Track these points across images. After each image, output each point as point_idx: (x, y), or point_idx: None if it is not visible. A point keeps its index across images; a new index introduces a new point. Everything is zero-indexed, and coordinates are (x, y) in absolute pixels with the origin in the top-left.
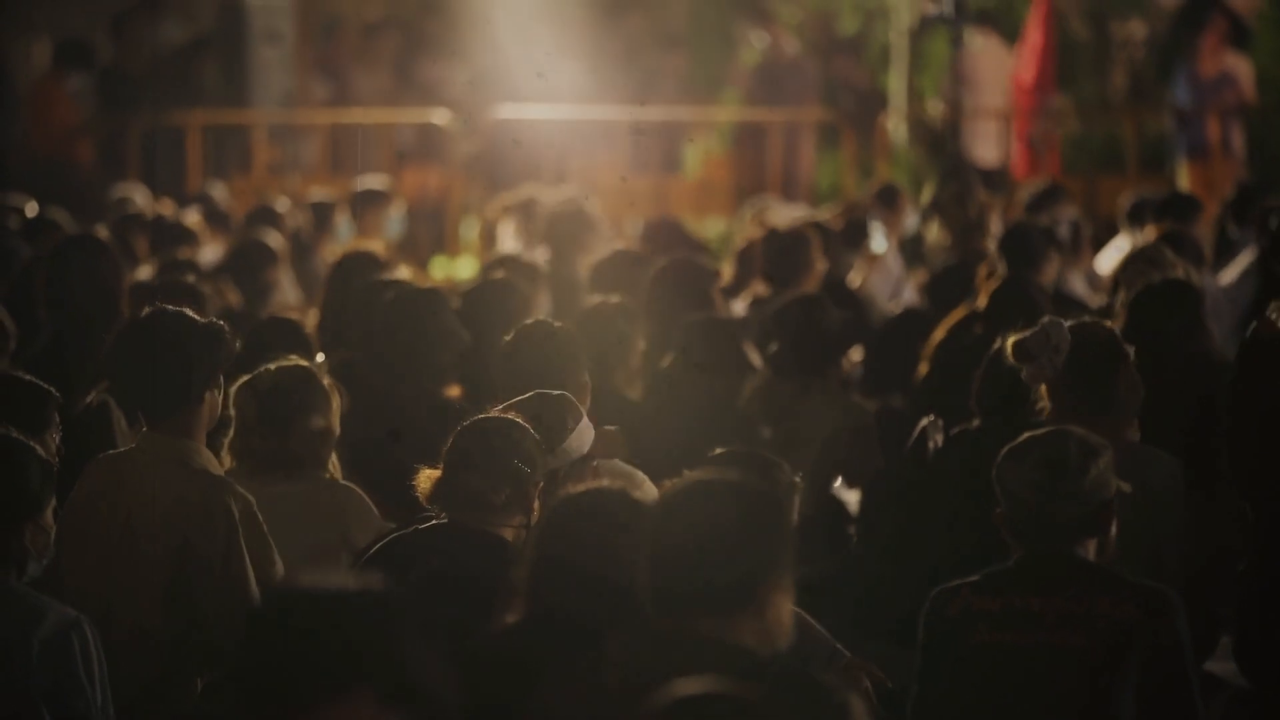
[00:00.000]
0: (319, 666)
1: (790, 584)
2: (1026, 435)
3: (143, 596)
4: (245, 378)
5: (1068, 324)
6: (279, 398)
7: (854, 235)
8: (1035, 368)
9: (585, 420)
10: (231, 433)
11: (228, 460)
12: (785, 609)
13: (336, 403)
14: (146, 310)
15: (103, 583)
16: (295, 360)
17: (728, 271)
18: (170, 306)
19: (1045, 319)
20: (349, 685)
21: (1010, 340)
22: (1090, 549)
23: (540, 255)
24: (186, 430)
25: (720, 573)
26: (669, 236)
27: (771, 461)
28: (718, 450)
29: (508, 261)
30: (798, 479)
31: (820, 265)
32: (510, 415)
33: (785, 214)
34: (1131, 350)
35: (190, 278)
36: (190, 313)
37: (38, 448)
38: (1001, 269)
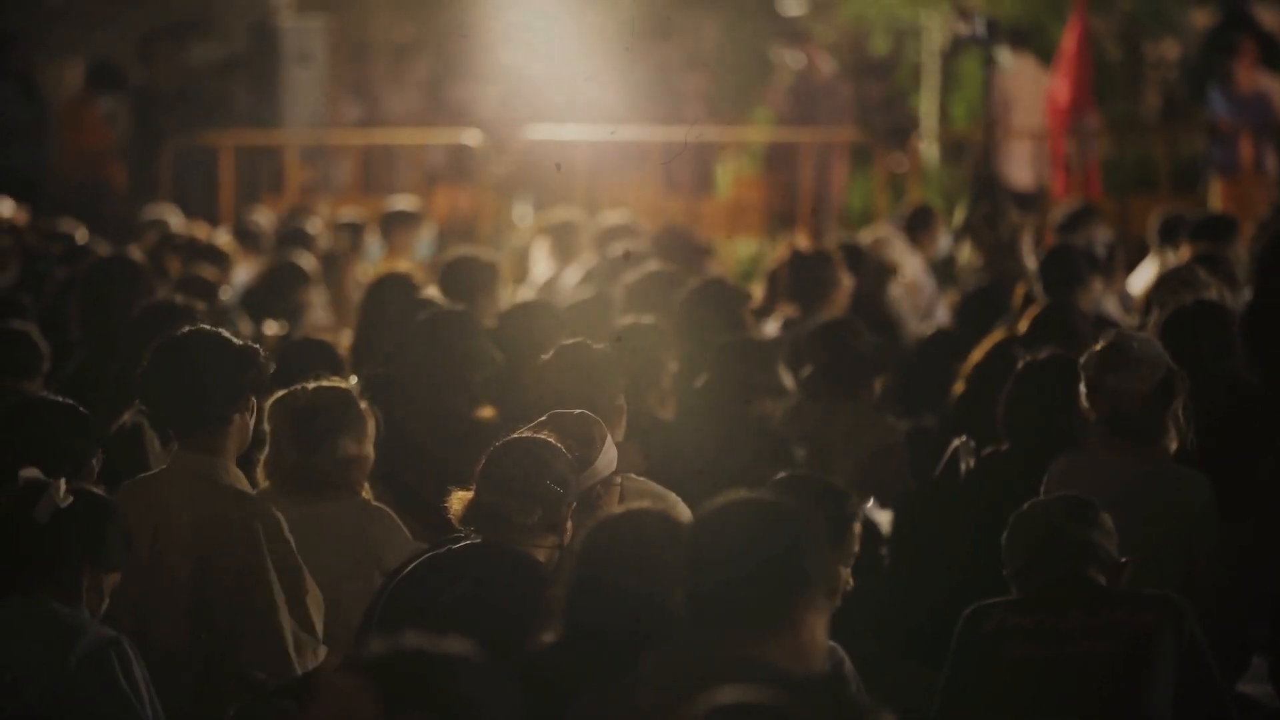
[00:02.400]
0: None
1: (825, 604)
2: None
3: (170, 616)
4: (280, 394)
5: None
6: (313, 416)
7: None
8: (1122, 379)
9: (610, 439)
10: (266, 450)
11: (262, 478)
12: (820, 629)
13: (372, 427)
14: (183, 329)
15: (133, 603)
16: (333, 381)
17: (758, 293)
18: (205, 326)
19: (1138, 336)
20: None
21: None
22: (1117, 581)
23: (574, 274)
24: (215, 448)
25: (753, 591)
26: (675, 244)
27: (836, 490)
28: (780, 475)
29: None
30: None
31: (847, 283)
32: (542, 435)
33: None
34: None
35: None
36: (225, 333)
37: (121, 514)
38: (1040, 291)
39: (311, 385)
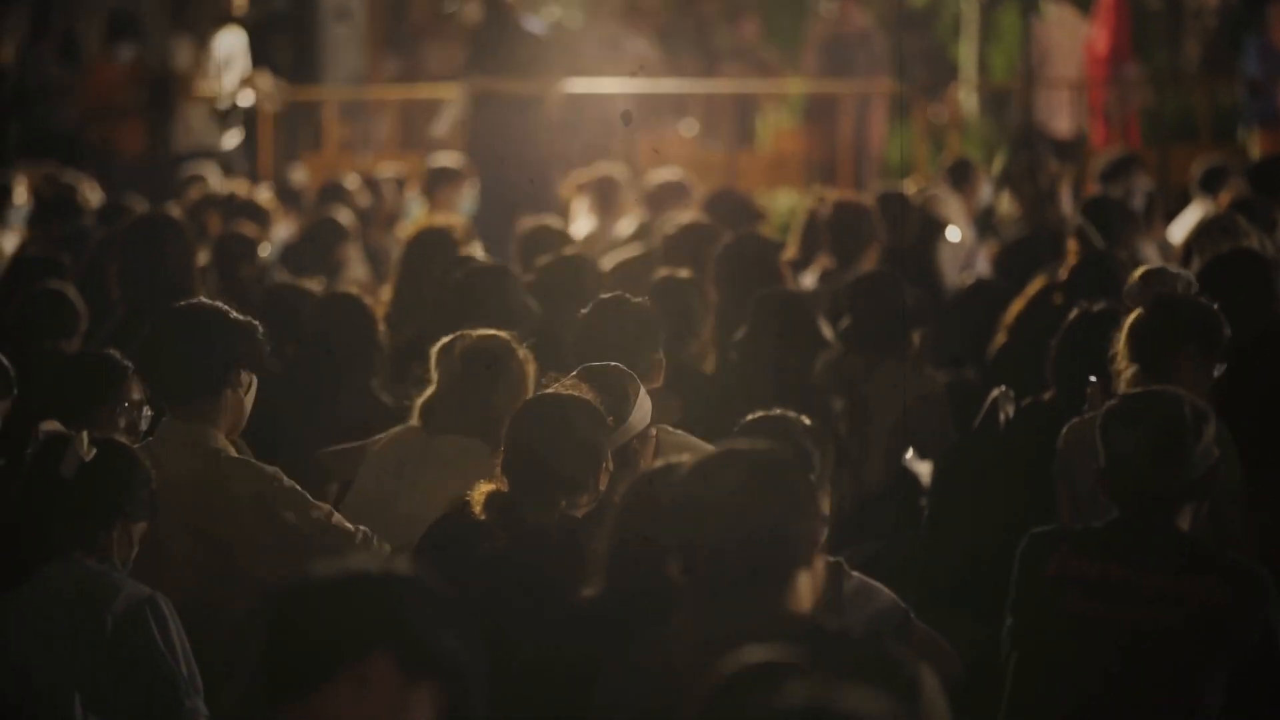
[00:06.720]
0: (335, 635)
1: (821, 539)
2: (1139, 393)
3: (172, 581)
4: (445, 340)
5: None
6: (479, 363)
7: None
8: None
9: (644, 393)
10: (428, 393)
11: (415, 418)
12: (819, 564)
13: (530, 374)
14: (184, 301)
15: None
16: (497, 333)
17: (794, 245)
18: (206, 300)
19: (1157, 268)
20: (366, 652)
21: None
22: (1187, 515)
23: (625, 227)
24: (205, 417)
25: (760, 547)
26: (731, 207)
27: (797, 425)
28: (750, 416)
29: (541, 231)
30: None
31: (883, 236)
32: (573, 390)
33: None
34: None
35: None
36: (224, 307)
37: (146, 461)
38: (1078, 242)
39: (476, 333)
